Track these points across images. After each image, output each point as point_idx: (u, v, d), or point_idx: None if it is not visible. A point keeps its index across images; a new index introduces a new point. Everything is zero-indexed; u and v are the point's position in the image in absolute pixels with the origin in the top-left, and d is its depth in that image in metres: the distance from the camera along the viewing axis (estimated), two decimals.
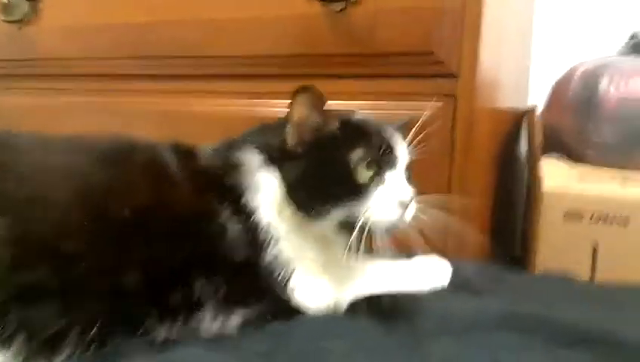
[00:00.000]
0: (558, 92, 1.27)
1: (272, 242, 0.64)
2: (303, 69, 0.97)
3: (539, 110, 1.29)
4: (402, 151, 0.68)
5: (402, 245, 0.69)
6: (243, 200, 0.64)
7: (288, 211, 0.66)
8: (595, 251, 1.05)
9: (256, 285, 0.62)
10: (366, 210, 0.63)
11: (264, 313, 0.62)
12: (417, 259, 0.73)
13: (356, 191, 0.64)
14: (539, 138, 1.13)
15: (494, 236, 1.21)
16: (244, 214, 0.64)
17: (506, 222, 1.30)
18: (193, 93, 1.10)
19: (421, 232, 0.67)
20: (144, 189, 0.61)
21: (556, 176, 1.10)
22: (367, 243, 0.66)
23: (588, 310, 0.62)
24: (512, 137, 1.33)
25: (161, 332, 0.57)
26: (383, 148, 0.66)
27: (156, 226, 0.59)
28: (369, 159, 0.65)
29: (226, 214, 0.63)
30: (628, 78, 1.15)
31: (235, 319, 0.61)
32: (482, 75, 0.91)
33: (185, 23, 1.07)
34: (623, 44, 1.26)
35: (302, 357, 0.53)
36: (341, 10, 0.94)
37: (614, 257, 1.03)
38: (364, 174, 0.65)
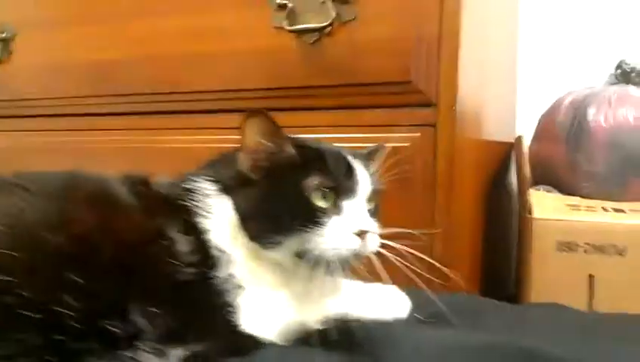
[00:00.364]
0: (546, 123, 1.24)
1: (225, 267, 0.60)
2: (276, 101, 0.95)
3: (526, 140, 1.26)
4: (363, 180, 0.64)
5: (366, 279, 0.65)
6: (195, 224, 0.61)
7: (243, 238, 0.62)
8: (591, 283, 1.00)
9: (204, 312, 0.58)
10: (321, 241, 0.59)
11: (213, 346, 0.56)
12: (376, 285, 0.68)
13: (311, 220, 0.59)
14: (527, 168, 1.10)
15: (487, 274, 1.16)
16: (195, 238, 0.60)
17: (499, 259, 1.26)
18: (160, 130, 1.08)
19: (390, 267, 0.63)
20: (85, 217, 0.56)
21: (547, 205, 1.07)
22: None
23: (577, 342, 0.57)
24: (502, 170, 1.30)
25: None
26: (341, 175, 0.62)
27: (96, 254, 0.55)
28: (325, 186, 0.61)
29: (175, 236, 0.59)
30: (616, 106, 1.13)
31: (179, 352, 0.56)
32: (463, 104, 0.88)
33: (152, 58, 1.06)
34: (610, 74, 1.24)
35: None
36: (314, 41, 0.92)
37: (612, 289, 0.98)
38: (319, 202, 0.61)
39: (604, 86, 1.21)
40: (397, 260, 0.63)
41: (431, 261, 0.65)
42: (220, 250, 0.61)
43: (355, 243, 0.60)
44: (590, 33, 1.43)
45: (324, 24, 0.89)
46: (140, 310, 0.54)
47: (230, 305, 0.59)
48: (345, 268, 0.62)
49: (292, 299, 0.62)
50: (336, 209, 0.61)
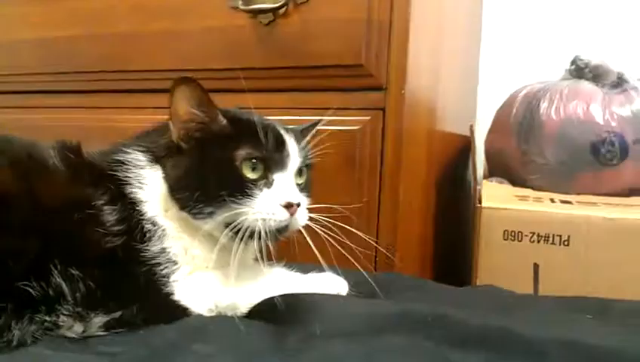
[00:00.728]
0: (501, 116, 1.26)
1: (156, 237, 0.60)
2: (229, 82, 0.94)
3: (482, 132, 1.28)
4: (294, 153, 0.64)
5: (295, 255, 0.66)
6: (125, 194, 0.60)
7: (174, 209, 0.62)
8: (536, 271, 1.02)
9: (131, 280, 0.57)
10: (250, 212, 0.59)
11: (138, 313, 0.56)
12: (313, 274, 0.69)
13: (240, 191, 0.60)
14: (478, 157, 1.11)
15: (443, 262, 1.18)
16: (125, 207, 0.60)
17: (455, 249, 1.28)
18: (110, 109, 1.07)
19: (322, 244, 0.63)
20: (5, 179, 0.56)
21: (496, 195, 1.08)
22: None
23: (491, 311, 0.58)
24: (460, 163, 1.32)
25: (16, 332, 0.52)
26: (272, 148, 0.62)
27: (13, 215, 0.54)
28: (255, 158, 0.61)
29: (102, 205, 0.58)
30: (567, 100, 1.15)
31: (100, 318, 0.56)
32: (414, 90, 0.89)
33: (108, 36, 1.05)
34: (565, 69, 1.27)
35: (157, 358, 0.48)
36: (269, 22, 0.92)
37: (556, 277, 1.00)
38: (249, 174, 0.61)
39: (557, 80, 1.23)
40: (325, 233, 0.64)
41: (358, 233, 0.65)
42: (153, 223, 0.60)
43: (284, 216, 0.60)
44: (549, 29, 1.46)
45: (278, 4, 0.90)
46: (60, 272, 0.54)
47: (162, 278, 0.59)
48: (276, 241, 0.63)
49: (226, 280, 0.62)
50: (265, 181, 0.61)
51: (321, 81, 0.91)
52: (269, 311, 0.58)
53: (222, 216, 0.60)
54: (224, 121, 0.62)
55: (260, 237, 0.59)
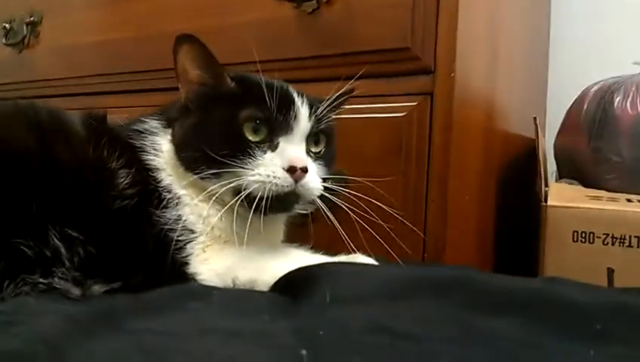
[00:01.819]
0: (572, 114, 1.17)
1: (172, 204, 0.58)
2: (277, 74, 0.93)
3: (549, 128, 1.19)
4: (303, 117, 0.61)
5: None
6: (141, 160, 0.60)
7: (187, 175, 0.60)
8: (610, 276, 0.92)
9: (139, 245, 0.56)
10: (250, 174, 0.57)
11: (143, 283, 0.54)
12: (341, 256, 0.64)
13: (242, 152, 0.57)
14: (541, 151, 1.03)
15: (506, 264, 1.09)
16: (141, 172, 0.59)
17: (522, 251, 1.18)
18: None
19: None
20: (26, 136, 0.56)
21: (565, 195, 0.99)
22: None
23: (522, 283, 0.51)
24: (531, 166, 1.23)
25: (8, 292, 0.50)
26: (278, 110, 0.59)
27: (27, 171, 0.54)
28: (258, 119, 0.59)
29: (116, 168, 0.58)
30: None
31: (99, 287, 0.53)
32: (465, 74, 0.84)
33: (157, 36, 1.06)
34: None
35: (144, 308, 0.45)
36: (313, 10, 0.90)
37: (634, 284, 0.89)
38: (251, 135, 0.58)
39: (633, 74, 1.13)
40: (350, 210, 0.60)
41: (385, 207, 0.60)
42: (169, 190, 0.59)
43: (286, 180, 0.57)
44: (624, 23, 1.35)
45: None
46: (59, 232, 0.52)
47: (176, 245, 0.57)
48: (286, 211, 0.59)
49: (247, 255, 0.60)
50: (269, 143, 0.59)
51: (367, 67, 0.87)
52: (285, 285, 0.54)
53: (224, 177, 0.57)
54: (231, 82, 0.60)
55: (262, 204, 0.56)
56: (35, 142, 0.56)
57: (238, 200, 0.57)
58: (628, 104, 1.05)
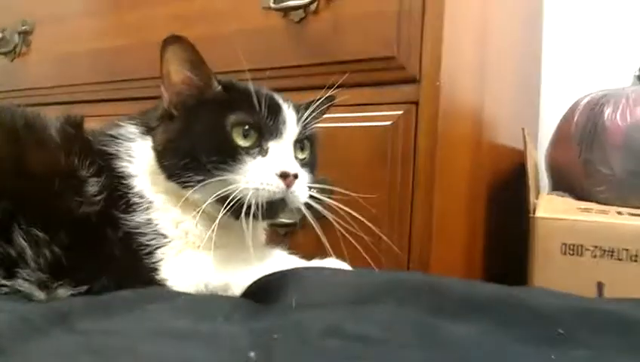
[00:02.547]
0: (562, 127, 1.16)
1: (142, 209, 0.57)
2: (264, 83, 0.93)
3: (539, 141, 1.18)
4: (291, 122, 0.60)
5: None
6: (112, 168, 0.59)
7: (165, 182, 0.59)
8: (600, 290, 0.90)
9: (104, 248, 0.55)
10: (242, 181, 0.55)
11: (108, 286, 0.53)
12: (315, 260, 0.63)
13: (231, 158, 0.56)
14: (530, 162, 1.02)
15: (495, 277, 1.08)
16: (111, 180, 0.58)
17: (512, 264, 1.17)
18: None
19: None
20: (1, 139, 0.56)
21: (554, 206, 0.99)
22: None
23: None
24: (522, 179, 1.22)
25: None
26: (266, 114, 0.58)
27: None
28: (248, 124, 0.58)
29: (86, 176, 0.57)
30: (634, 105, 1.05)
31: (65, 290, 0.53)
32: (451, 84, 0.84)
33: (151, 44, 1.06)
34: (633, 75, 1.16)
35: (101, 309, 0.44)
36: (300, 20, 0.90)
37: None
38: (240, 141, 0.57)
39: (624, 87, 1.13)
40: (334, 220, 0.59)
41: (366, 221, 0.60)
42: (141, 196, 0.58)
43: (278, 186, 0.56)
44: (616, 35, 1.35)
45: (309, 0, 0.88)
46: (24, 231, 0.52)
47: (144, 249, 0.56)
48: (271, 218, 0.59)
49: (220, 259, 0.58)
50: (259, 149, 0.58)
51: (353, 76, 0.87)
52: (255, 290, 0.53)
53: (213, 186, 0.56)
54: (218, 87, 0.60)
55: (251, 211, 0.55)
56: (7, 145, 0.55)
57: (226, 208, 0.56)
58: (618, 116, 1.05)
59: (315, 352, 0.37)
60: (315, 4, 0.88)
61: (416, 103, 0.82)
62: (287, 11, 0.91)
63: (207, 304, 0.49)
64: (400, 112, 0.83)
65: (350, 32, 0.87)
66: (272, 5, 0.90)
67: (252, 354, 0.36)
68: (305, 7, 0.89)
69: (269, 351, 0.36)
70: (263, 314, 0.46)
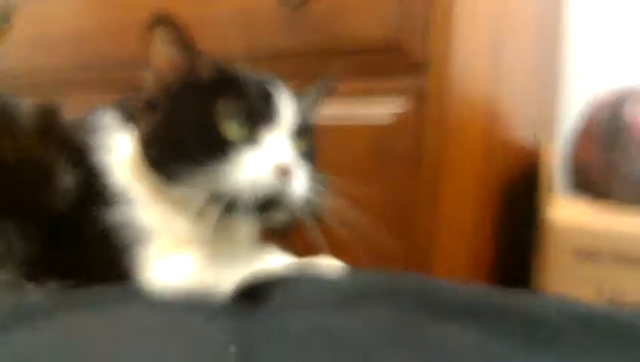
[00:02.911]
0: (582, 123, 1.10)
1: (123, 203, 0.53)
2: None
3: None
4: (287, 111, 0.55)
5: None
6: (89, 159, 0.54)
7: (148, 177, 0.54)
8: (615, 301, 0.84)
9: (80, 244, 0.51)
10: (235, 175, 0.51)
11: (88, 282, 0.49)
12: (307, 258, 0.58)
13: (222, 150, 0.51)
14: (547, 167, 0.96)
15: (506, 284, 1.02)
16: (88, 173, 0.53)
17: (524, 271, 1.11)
18: None
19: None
20: None
21: (569, 208, 0.92)
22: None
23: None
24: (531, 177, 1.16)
25: None
26: (261, 102, 0.53)
27: None
28: (240, 113, 0.52)
29: (60, 168, 0.52)
30: None
31: (52, 284, 0.49)
32: (461, 72, 0.77)
33: (137, 24, 1.01)
34: None
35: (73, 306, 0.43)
36: (297, 4, 0.83)
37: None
38: (233, 130, 0.52)
39: None
40: (332, 218, 0.54)
41: (364, 221, 0.54)
42: (121, 189, 0.54)
43: (275, 180, 0.51)
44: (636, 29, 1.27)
45: None
46: (13, 225, 0.49)
47: (124, 245, 0.52)
48: (267, 212, 0.53)
49: (207, 259, 0.54)
50: (253, 140, 0.52)
51: (352, 63, 0.81)
52: (243, 289, 0.50)
53: (203, 181, 0.51)
54: (208, 71, 0.54)
55: (244, 207, 0.50)
56: None
57: (217, 204, 0.51)
58: (638, 112, 0.98)
59: (298, 352, 0.36)
60: None
61: (423, 94, 0.75)
62: None
63: (188, 302, 0.47)
64: (405, 102, 0.76)
65: (350, 17, 0.80)
66: None
67: (233, 349, 0.35)
68: None
69: (250, 350, 0.36)
70: (246, 313, 0.44)
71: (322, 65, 0.83)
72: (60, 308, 0.44)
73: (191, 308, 0.46)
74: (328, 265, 0.57)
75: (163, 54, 0.54)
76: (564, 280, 0.86)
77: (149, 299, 0.48)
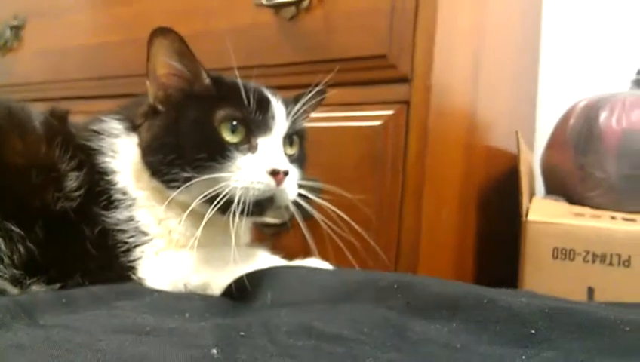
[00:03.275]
0: (558, 130, 1.15)
1: (124, 206, 0.56)
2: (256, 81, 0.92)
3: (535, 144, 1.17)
4: (280, 117, 0.59)
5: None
6: (94, 163, 0.58)
7: (149, 180, 0.58)
8: (591, 296, 0.89)
9: (81, 244, 0.54)
10: (231, 178, 0.54)
11: (82, 283, 0.52)
12: (297, 261, 0.62)
13: (220, 155, 0.55)
14: (524, 167, 1.01)
15: (487, 282, 1.06)
16: (92, 176, 0.57)
17: (504, 268, 1.16)
18: None
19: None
20: None
21: (547, 210, 0.97)
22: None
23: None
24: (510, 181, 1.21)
25: None
26: (255, 109, 0.57)
27: None
28: (236, 119, 0.56)
29: (66, 170, 0.56)
30: (630, 109, 1.04)
31: (38, 288, 0.52)
32: (443, 84, 0.82)
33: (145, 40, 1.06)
34: (631, 80, 1.15)
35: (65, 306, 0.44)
36: (292, 17, 0.89)
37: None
38: (228, 136, 0.56)
39: (621, 91, 1.12)
40: (322, 221, 0.58)
41: (354, 224, 0.59)
42: (123, 192, 0.57)
43: (269, 184, 0.55)
44: (613, 40, 1.34)
45: None
46: (18, 225, 0.51)
47: (123, 246, 0.55)
48: (261, 214, 0.57)
49: (201, 258, 0.57)
50: (248, 145, 0.56)
51: (344, 74, 0.86)
52: (233, 289, 0.53)
53: (200, 185, 0.55)
54: (206, 80, 0.58)
55: (238, 209, 0.54)
56: None
57: (214, 207, 0.55)
58: (613, 120, 1.04)
59: (282, 351, 0.36)
60: (307, 1, 0.87)
61: (407, 103, 0.81)
62: (278, 8, 0.89)
63: (179, 302, 0.48)
64: (391, 112, 0.82)
65: (342, 30, 0.86)
66: (264, 2, 0.89)
67: (214, 350, 0.35)
68: (297, 3, 0.87)
69: (234, 348, 0.36)
70: (234, 312, 0.45)
71: (315, 75, 0.89)
72: (54, 306, 0.44)
73: (179, 307, 0.47)
74: (317, 266, 0.61)
75: (162, 64, 0.58)
76: (543, 278, 0.91)
77: (138, 299, 0.48)
